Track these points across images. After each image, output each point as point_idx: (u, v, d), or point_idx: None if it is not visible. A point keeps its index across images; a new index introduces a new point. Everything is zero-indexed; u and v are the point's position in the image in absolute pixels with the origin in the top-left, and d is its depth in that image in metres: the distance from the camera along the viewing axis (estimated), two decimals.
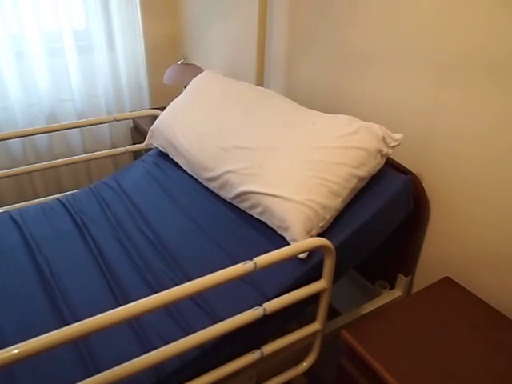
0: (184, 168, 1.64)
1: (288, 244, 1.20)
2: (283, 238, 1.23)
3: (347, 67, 1.61)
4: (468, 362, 1.05)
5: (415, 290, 1.59)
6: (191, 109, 1.67)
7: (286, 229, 1.19)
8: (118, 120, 1.78)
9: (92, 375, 0.88)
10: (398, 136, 1.30)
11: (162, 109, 2.12)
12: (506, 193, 1.21)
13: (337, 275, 1.22)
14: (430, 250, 1.49)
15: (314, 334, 1.23)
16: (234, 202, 1.40)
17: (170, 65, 2.28)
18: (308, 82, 1.83)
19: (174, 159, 1.70)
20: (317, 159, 1.24)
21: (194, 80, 1.81)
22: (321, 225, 1.20)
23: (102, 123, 1.86)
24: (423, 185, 1.42)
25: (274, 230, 1.28)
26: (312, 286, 1.13)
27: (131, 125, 2.65)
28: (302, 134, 1.33)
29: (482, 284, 1.33)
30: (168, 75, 2.24)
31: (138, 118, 2.50)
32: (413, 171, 1.44)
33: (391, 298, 1.55)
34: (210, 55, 2.46)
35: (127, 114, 1.92)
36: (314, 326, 1.21)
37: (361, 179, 1.25)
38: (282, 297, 1.08)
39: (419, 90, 1.37)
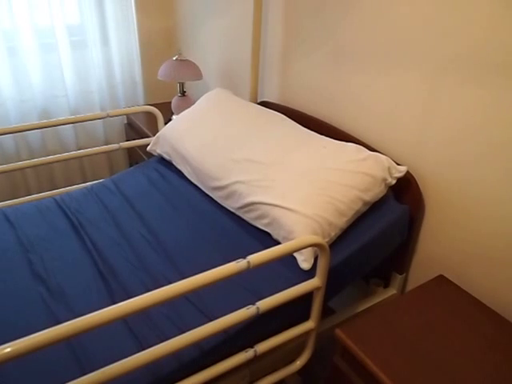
0: (188, 176, 1.67)
1: (292, 257, 1.24)
2: None
3: (341, 64, 1.60)
4: (462, 360, 1.05)
5: (409, 288, 1.59)
6: (202, 121, 1.72)
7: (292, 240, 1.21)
8: (111, 116, 1.77)
9: (87, 373, 0.87)
10: (402, 168, 1.38)
11: (157, 105, 2.11)
12: (500, 191, 1.20)
13: (332, 293, 1.30)
14: (424, 248, 1.49)
15: (307, 333, 1.23)
16: (239, 212, 1.42)
17: (165, 61, 2.26)
18: (303, 78, 1.81)
19: (178, 167, 1.72)
20: (327, 179, 1.30)
21: (206, 95, 1.88)
22: (326, 240, 1.23)
23: (95, 119, 1.84)
24: (418, 182, 1.41)
25: (276, 243, 1.29)
26: (306, 284, 1.13)
27: (125, 121, 2.64)
28: (313, 155, 1.39)
29: (476, 282, 1.32)
30: (162, 71, 2.22)
31: (131, 114, 2.48)
32: (408, 169, 1.43)
33: (385, 296, 1.55)
34: (205, 51, 2.45)
35: (121, 111, 1.90)
36: (308, 325, 1.21)
37: (365, 203, 1.31)
38: (275, 295, 1.07)
39: (415, 87, 1.36)
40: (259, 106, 1.76)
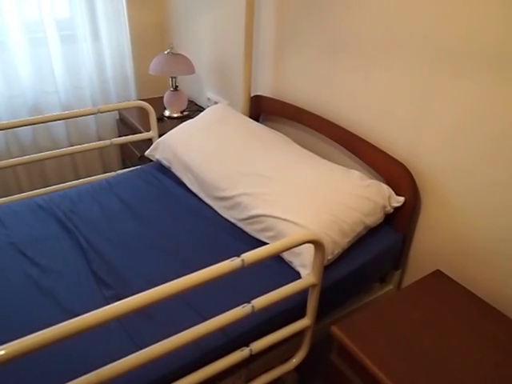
0: (188, 184, 1.68)
1: (293, 271, 1.27)
2: (286, 264, 1.30)
3: (335, 58, 1.58)
4: (459, 356, 1.04)
5: (406, 283, 1.58)
6: (206, 133, 1.75)
7: (298, 254, 1.24)
8: (101, 112, 1.73)
9: (82, 374, 0.86)
10: (400, 199, 1.42)
11: (149, 100, 2.08)
12: (497, 185, 1.19)
13: (334, 306, 1.39)
14: (420, 243, 1.48)
15: (303, 330, 1.22)
16: (242, 223, 1.43)
17: (157, 55, 2.23)
18: (296, 72, 1.79)
19: (178, 174, 1.73)
20: (333, 200, 1.34)
21: (209, 109, 1.92)
22: (328, 258, 1.26)
23: (85, 115, 1.81)
24: (414, 176, 1.40)
25: (277, 256, 1.30)
26: (301, 281, 1.12)
27: (117, 116, 2.60)
28: (319, 176, 1.44)
29: (473, 277, 1.32)
30: (154, 66, 2.19)
31: (123, 109, 2.45)
32: (403, 163, 1.42)
33: (382, 292, 1.55)
34: (197, 45, 2.42)
35: (111, 106, 1.88)
36: (304, 322, 1.20)
37: (365, 227, 1.36)
38: (270, 293, 1.06)
39: (410, 80, 1.35)
40: (263, 126, 1.79)
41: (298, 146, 1.66)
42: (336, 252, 1.28)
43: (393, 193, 1.42)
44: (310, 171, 1.46)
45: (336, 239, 1.27)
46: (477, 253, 1.30)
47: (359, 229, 1.33)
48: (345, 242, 1.30)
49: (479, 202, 1.25)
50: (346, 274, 1.30)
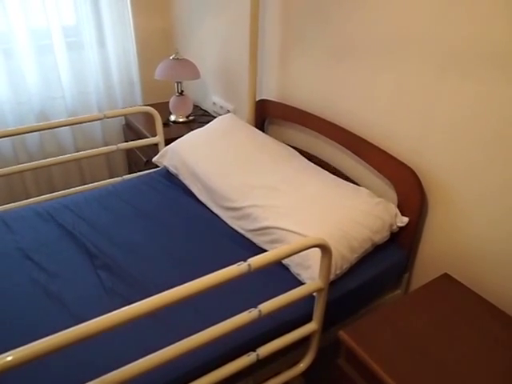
0: (195, 192, 1.68)
1: (300, 284, 1.24)
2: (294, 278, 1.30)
3: (341, 60, 1.58)
4: (468, 361, 1.03)
5: (414, 287, 1.57)
6: (215, 143, 1.76)
7: (308, 267, 1.24)
8: (108, 117, 1.74)
9: (88, 380, 0.86)
10: (404, 219, 1.43)
11: (155, 105, 2.09)
12: (505, 188, 1.18)
13: (342, 317, 1.40)
14: (427, 246, 1.47)
15: (310, 335, 1.21)
16: (250, 234, 1.44)
17: (162, 60, 2.24)
18: (301, 75, 1.79)
19: (185, 182, 1.74)
20: (344, 215, 1.36)
21: (219, 119, 1.94)
22: (337, 272, 1.27)
23: (91, 121, 1.82)
24: (420, 180, 1.39)
25: (283, 266, 1.32)
26: (308, 286, 1.11)
27: (123, 122, 2.62)
28: (329, 191, 1.46)
29: (482, 280, 1.30)
30: (159, 71, 2.20)
31: (129, 114, 2.46)
32: (410, 165, 1.41)
33: (390, 296, 1.53)
34: (202, 50, 2.43)
35: (117, 111, 1.89)
36: (311, 326, 1.19)
37: (373, 244, 1.37)
38: (276, 298, 1.06)
39: (417, 83, 1.34)
40: (270, 137, 1.80)
41: (305, 160, 1.67)
42: (344, 267, 1.29)
43: (399, 213, 1.43)
44: (320, 186, 1.48)
45: (345, 254, 1.28)
46: (485, 255, 1.28)
47: (367, 245, 1.34)
48: (353, 257, 1.31)
49: (487, 204, 1.24)
50: (348, 290, 1.30)
